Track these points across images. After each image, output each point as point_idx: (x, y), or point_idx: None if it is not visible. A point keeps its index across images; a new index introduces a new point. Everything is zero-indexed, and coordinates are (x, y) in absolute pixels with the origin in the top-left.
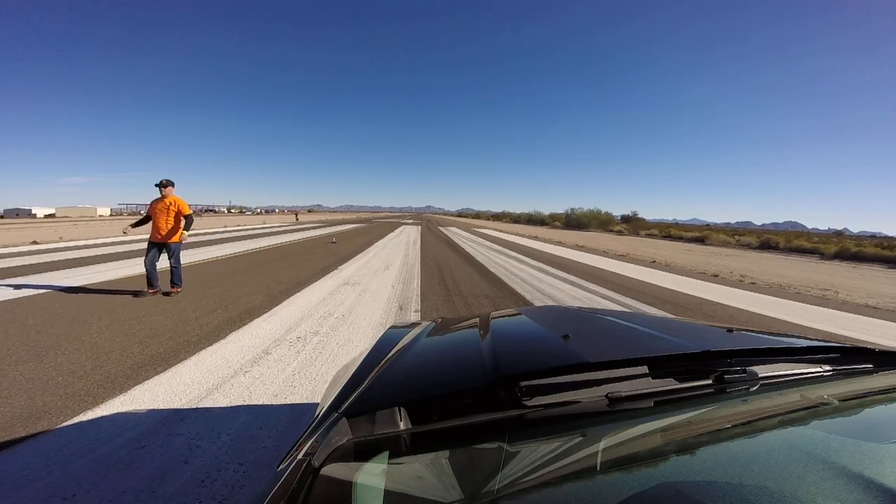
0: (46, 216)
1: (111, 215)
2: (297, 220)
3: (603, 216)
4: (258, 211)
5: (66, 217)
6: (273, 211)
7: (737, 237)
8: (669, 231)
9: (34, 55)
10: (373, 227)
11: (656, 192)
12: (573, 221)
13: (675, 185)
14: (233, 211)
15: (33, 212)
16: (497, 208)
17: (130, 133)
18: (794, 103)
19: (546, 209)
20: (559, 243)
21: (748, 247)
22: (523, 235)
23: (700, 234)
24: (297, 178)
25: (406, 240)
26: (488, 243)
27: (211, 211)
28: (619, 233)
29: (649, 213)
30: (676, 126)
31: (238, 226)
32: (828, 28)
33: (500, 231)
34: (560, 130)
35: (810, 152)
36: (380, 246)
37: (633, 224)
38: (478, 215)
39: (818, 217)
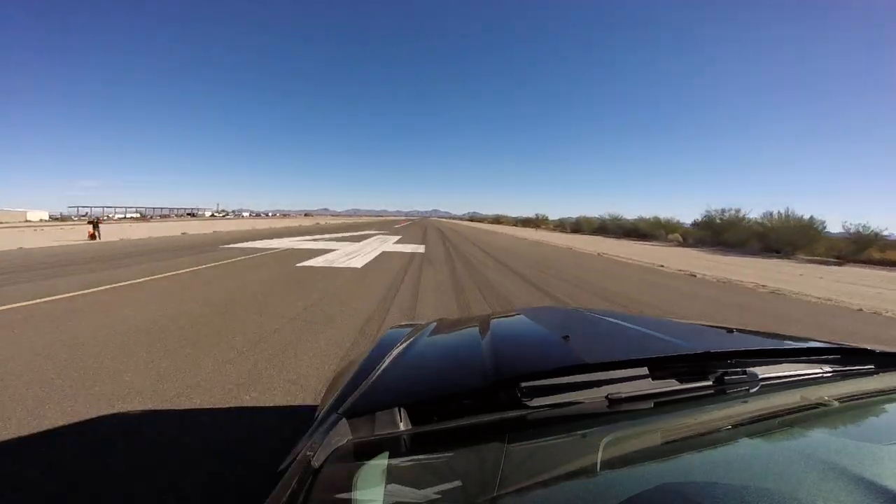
0: None
1: (50, 220)
2: (94, 235)
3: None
4: (246, 215)
5: None
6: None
7: None
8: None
9: (43, 58)
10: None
11: (658, 193)
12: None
13: (678, 186)
14: (216, 215)
15: None
16: (503, 212)
17: (145, 137)
18: (798, 103)
19: (550, 211)
20: None
21: None
22: None
23: None
24: (305, 182)
25: None
26: None
27: (191, 215)
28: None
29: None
30: (681, 126)
31: None
32: (831, 27)
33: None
34: (563, 133)
35: (816, 151)
36: None
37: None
38: (498, 220)
39: (829, 219)
